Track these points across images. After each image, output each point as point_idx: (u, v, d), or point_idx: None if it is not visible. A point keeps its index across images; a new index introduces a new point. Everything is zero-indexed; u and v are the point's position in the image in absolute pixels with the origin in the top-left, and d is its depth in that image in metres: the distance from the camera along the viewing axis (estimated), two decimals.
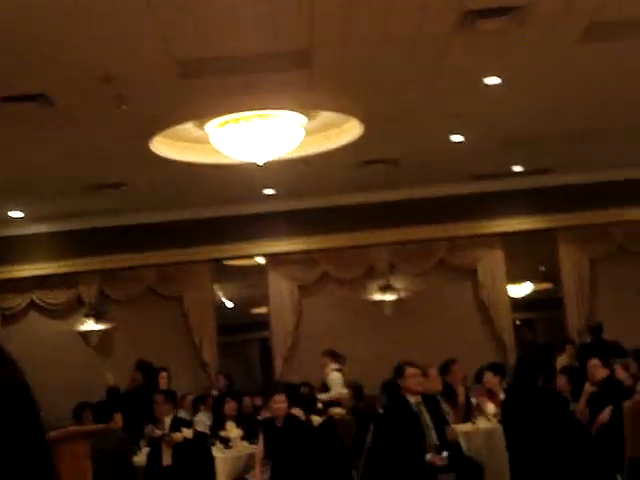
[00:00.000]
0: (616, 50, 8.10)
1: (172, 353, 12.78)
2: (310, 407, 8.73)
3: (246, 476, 7.49)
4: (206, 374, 13.00)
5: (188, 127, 9.55)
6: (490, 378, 8.79)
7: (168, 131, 9.54)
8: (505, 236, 13.27)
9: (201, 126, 9.42)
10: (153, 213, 12.92)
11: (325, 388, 10.88)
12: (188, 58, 7.61)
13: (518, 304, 15.60)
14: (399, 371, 7.59)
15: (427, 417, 7.45)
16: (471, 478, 7.30)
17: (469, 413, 8.64)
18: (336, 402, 10.09)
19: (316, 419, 8.23)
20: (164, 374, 10.43)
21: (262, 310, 15.78)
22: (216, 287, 15.08)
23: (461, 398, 8.94)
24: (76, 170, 10.57)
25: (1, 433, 0.92)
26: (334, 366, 11.21)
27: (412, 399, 7.49)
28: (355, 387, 10.33)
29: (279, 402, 7.50)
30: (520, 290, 17.12)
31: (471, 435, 7.93)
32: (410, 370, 7.52)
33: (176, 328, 13.20)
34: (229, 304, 18.79)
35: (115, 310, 13.23)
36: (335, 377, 11.00)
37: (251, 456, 7.81)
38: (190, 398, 10.94)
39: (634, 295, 12.68)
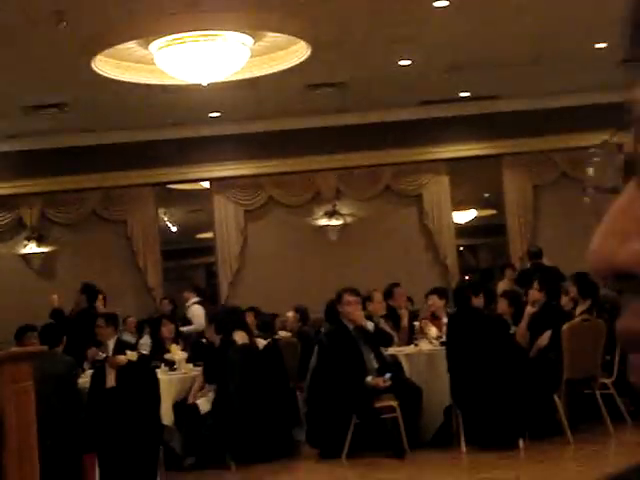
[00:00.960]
0: None
1: (117, 277, 12.70)
2: (264, 330, 8.82)
3: (190, 401, 7.56)
4: (151, 298, 12.96)
5: (132, 46, 9.33)
6: (436, 301, 8.91)
7: (111, 50, 9.31)
8: (451, 162, 13.33)
9: (145, 45, 9.20)
10: (97, 135, 12.67)
11: (187, 322, 10.81)
12: None
13: (462, 230, 15.76)
14: (338, 298, 7.71)
15: (364, 341, 7.58)
16: (411, 401, 7.44)
17: (412, 336, 8.77)
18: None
19: (261, 342, 8.28)
20: (100, 296, 10.35)
21: (207, 235, 15.72)
22: (161, 211, 14.97)
23: (404, 321, 9.06)
24: (15, 89, 10.29)
25: None
26: (195, 299, 11.20)
27: (350, 325, 7.61)
28: (300, 310, 10.39)
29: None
30: (464, 216, 17.27)
31: (413, 357, 8.06)
32: (347, 297, 7.62)
33: (120, 252, 13.10)
34: (173, 228, 18.68)
35: (58, 233, 13.04)
36: (195, 309, 10.98)
37: (196, 378, 7.86)
38: (132, 320, 10.94)
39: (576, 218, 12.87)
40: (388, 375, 7.36)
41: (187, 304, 11.26)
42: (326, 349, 7.62)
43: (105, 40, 8.89)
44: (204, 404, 7.53)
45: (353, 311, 7.60)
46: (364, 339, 7.61)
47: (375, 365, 7.55)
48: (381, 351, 7.72)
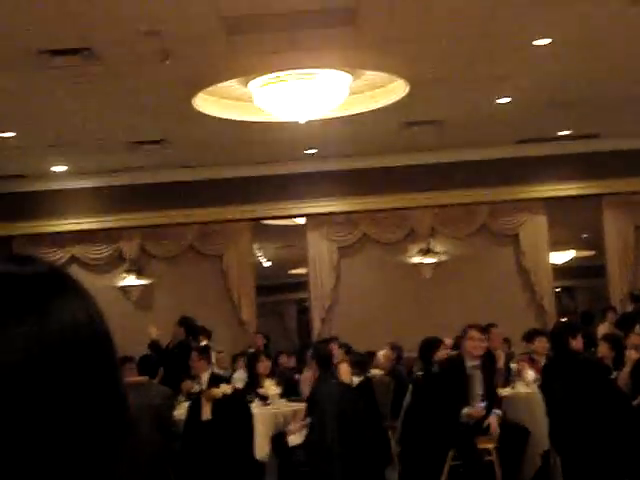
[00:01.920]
0: None
1: (211, 311, 12.83)
2: (359, 368, 8.77)
3: (287, 435, 7.55)
4: (245, 332, 13.06)
5: (232, 85, 9.51)
6: (544, 343, 8.71)
7: (212, 88, 9.51)
8: (549, 201, 13.11)
9: (245, 84, 9.37)
10: (195, 170, 12.93)
11: None
12: (234, 14, 7.54)
13: (560, 271, 15.47)
14: (463, 332, 7.59)
15: (479, 377, 7.43)
16: (516, 442, 7.27)
17: (509, 378, 8.61)
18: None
19: (354, 379, 8.24)
20: (202, 337, 10.28)
21: (299, 271, 15.81)
22: (255, 246, 15.13)
23: (500, 362, 8.89)
24: (119, 125, 10.58)
25: (79, 383, 0.79)
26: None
27: (469, 362, 7.46)
28: (396, 348, 10.30)
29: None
30: (562, 257, 16.95)
31: (510, 399, 7.90)
32: (472, 333, 7.48)
33: (215, 286, 13.26)
34: (267, 264, 18.84)
35: (155, 266, 13.31)
36: None
37: (288, 413, 7.86)
38: (222, 355, 10.98)
39: None
40: (483, 404, 7.21)
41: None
42: (431, 386, 7.48)
43: (207, 78, 9.08)
44: (294, 439, 7.50)
45: (474, 349, 7.47)
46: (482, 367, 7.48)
47: (481, 394, 7.39)
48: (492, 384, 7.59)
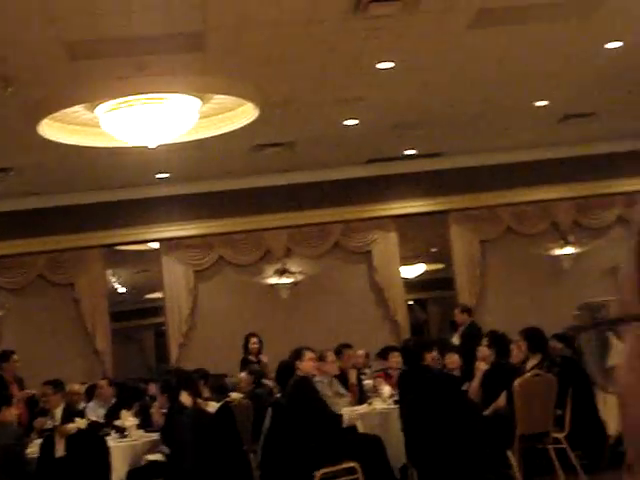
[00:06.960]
0: (504, 35, 8.30)
1: (64, 341, 12.48)
2: (219, 393, 8.71)
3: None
4: (99, 362, 12.75)
5: (78, 110, 9.31)
6: (397, 358, 8.90)
7: (57, 114, 9.28)
8: (398, 218, 13.44)
9: (92, 109, 9.19)
10: (42, 198, 12.55)
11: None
12: (77, 39, 7.42)
13: (411, 284, 15.88)
14: (298, 355, 7.76)
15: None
16: (372, 452, 7.40)
17: (363, 395, 8.75)
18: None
19: (213, 404, 8.18)
20: (14, 356, 9.89)
21: (156, 295, 15.60)
22: (109, 273, 14.82)
23: (352, 381, 9.02)
24: None
25: None
26: None
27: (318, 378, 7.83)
28: (255, 372, 10.28)
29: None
30: (413, 271, 17.41)
31: (367, 416, 8.04)
32: (308, 354, 7.70)
33: (68, 316, 12.89)
34: (121, 290, 18.48)
35: (4, 298, 12.81)
36: None
37: (146, 444, 7.73)
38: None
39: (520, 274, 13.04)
40: None
41: None
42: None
43: (51, 105, 8.87)
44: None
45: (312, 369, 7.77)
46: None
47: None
48: None
